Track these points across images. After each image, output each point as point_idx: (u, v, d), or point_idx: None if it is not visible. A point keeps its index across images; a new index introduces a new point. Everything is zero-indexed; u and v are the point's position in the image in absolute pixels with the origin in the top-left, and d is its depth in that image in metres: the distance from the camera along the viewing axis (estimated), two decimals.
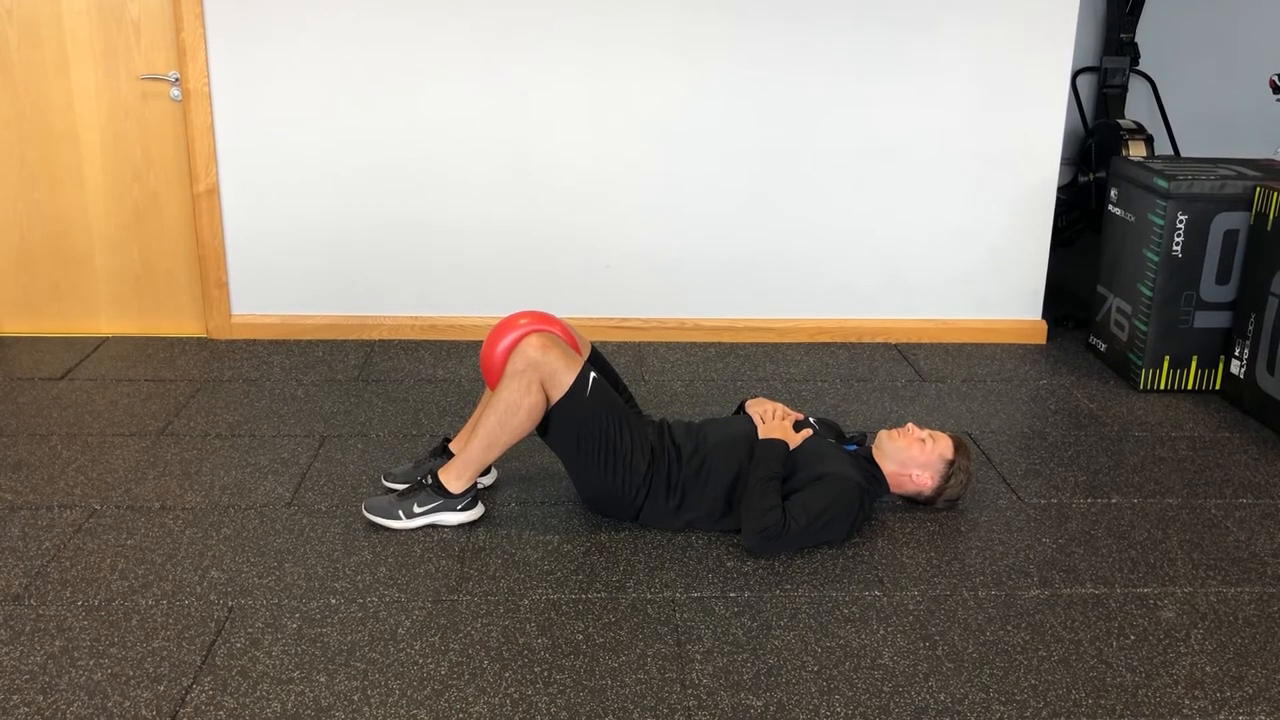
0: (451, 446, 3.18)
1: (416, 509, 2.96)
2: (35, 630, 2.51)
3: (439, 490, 2.96)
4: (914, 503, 3.16)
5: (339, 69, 4.17)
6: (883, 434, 3.15)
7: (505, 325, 2.99)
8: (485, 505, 3.07)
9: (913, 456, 3.08)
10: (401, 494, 3.00)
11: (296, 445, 3.49)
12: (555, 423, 2.92)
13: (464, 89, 4.22)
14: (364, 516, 2.99)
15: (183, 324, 4.44)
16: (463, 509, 2.99)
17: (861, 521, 2.99)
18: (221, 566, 2.79)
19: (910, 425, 3.13)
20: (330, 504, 3.12)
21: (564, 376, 2.87)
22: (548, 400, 2.89)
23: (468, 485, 2.98)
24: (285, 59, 4.15)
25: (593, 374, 2.93)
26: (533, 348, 2.86)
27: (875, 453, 3.12)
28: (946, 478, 3.08)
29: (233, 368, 4.12)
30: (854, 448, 3.13)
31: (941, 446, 3.09)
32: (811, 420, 3.19)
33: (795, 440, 3.04)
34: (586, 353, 3.11)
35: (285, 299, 4.42)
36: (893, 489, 3.12)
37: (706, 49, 4.23)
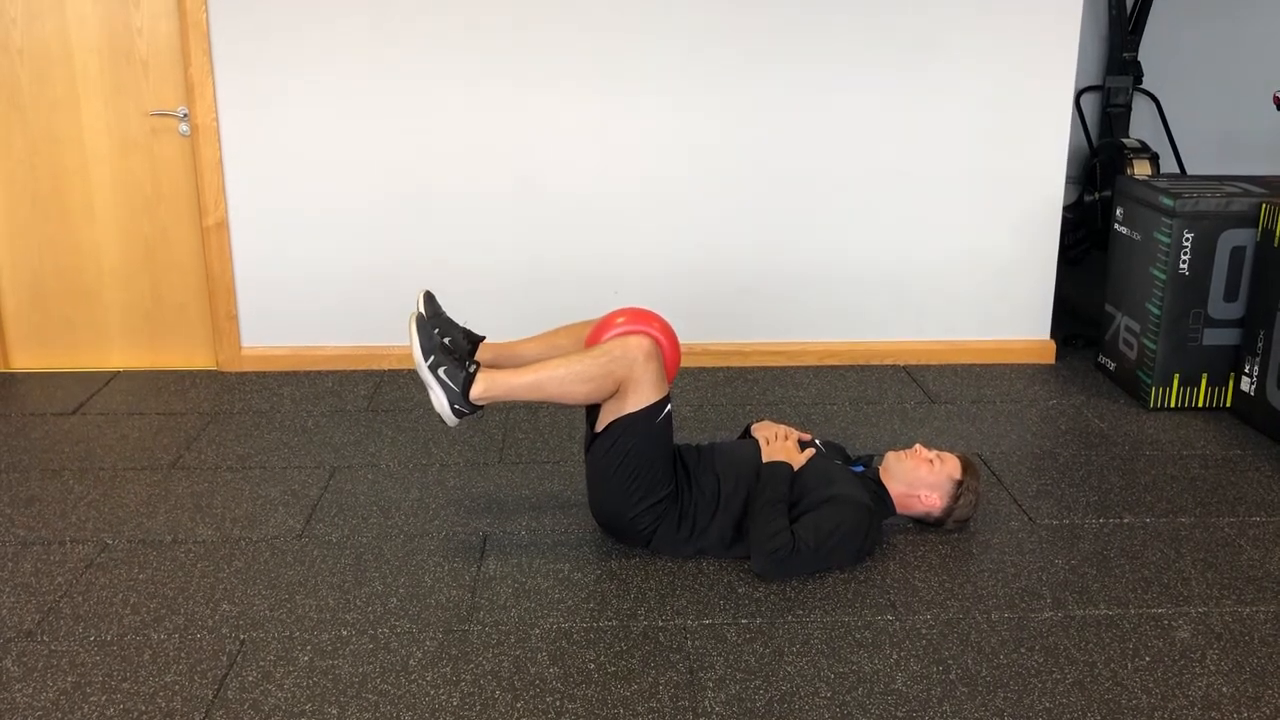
0: (484, 350, 3.09)
1: (441, 372, 2.86)
2: (48, 666, 2.51)
3: (466, 382, 2.87)
4: (923, 524, 3.16)
5: (345, 103, 4.20)
6: (890, 455, 3.14)
7: (643, 316, 3.00)
8: (489, 526, 3.08)
9: (921, 477, 3.07)
10: (445, 349, 2.91)
11: (307, 477, 3.49)
12: (611, 433, 2.90)
13: (473, 119, 4.25)
14: (410, 318, 2.90)
15: (193, 357, 4.46)
16: (455, 411, 2.88)
17: (872, 544, 2.98)
18: (233, 599, 2.79)
19: (918, 446, 3.13)
20: (341, 535, 3.12)
21: (646, 394, 2.87)
22: (617, 404, 2.88)
23: (484, 402, 2.90)
24: (292, 93, 4.18)
25: (669, 407, 2.93)
26: (643, 351, 2.85)
27: (883, 474, 3.12)
28: (955, 498, 3.07)
29: (243, 400, 4.13)
30: (860, 469, 3.13)
31: (950, 467, 3.09)
32: (817, 442, 3.18)
33: (799, 460, 3.03)
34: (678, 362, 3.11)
35: (295, 331, 4.44)
36: (900, 510, 3.11)
37: (714, 78, 4.26)
